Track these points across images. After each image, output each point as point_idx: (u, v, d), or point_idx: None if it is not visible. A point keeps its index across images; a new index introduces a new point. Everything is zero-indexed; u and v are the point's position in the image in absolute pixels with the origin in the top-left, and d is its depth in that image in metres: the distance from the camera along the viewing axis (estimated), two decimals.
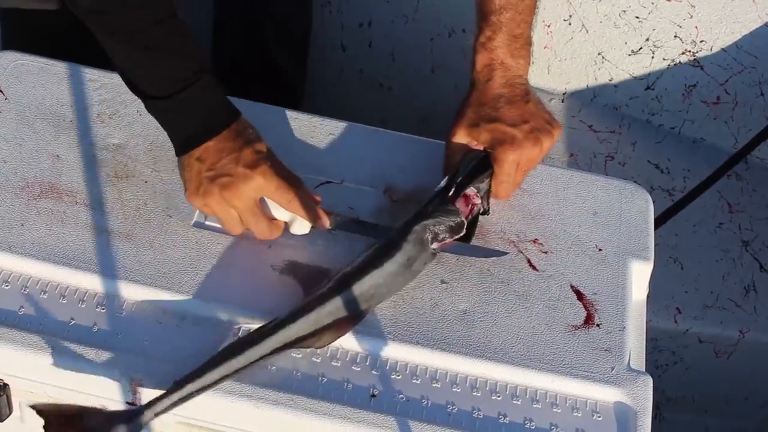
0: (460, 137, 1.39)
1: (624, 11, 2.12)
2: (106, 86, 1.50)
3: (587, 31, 2.17)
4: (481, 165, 1.37)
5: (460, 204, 1.33)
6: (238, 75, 2.14)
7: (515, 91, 1.38)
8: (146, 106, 1.30)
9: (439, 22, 2.25)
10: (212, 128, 1.28)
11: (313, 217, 1.31)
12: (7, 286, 1.28)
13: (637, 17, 2.13)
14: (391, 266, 1.26)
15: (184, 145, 1.29)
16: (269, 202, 1.30)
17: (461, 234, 1.32)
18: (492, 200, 1.40)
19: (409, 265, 1.28)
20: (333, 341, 1.23)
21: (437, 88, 2.34)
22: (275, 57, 2.16)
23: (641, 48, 2.16)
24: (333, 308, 1.23)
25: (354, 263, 1.27)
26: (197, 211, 1.36)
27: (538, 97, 1.41)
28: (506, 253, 1.36)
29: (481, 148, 1.37)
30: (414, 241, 1.28)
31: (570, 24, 2.17)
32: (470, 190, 1.35)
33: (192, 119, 1.28)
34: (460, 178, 1.35)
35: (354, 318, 1.24)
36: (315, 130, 1.49)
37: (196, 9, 2.25)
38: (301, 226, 1.32)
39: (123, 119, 1.46)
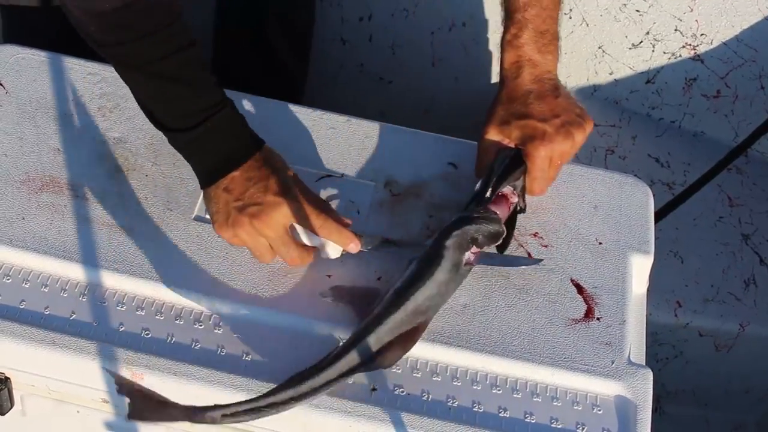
0: (492, 135, 1.37)
1: (624, 5, 2.12)
2: (106, 80, 1.49)
3: (588, 25, 2.17)
4: (515, 162, 1.35)
5: (497, 203, 1.32)
6: (240, 69, 2.14)
7: (544, 86, 1.37)
8: (168, 139, 1.28)
9: (440, 15, 2.25)
10: (237, 158, 1.26)
11: (345, 241, 1.28)
12: (8, 279, 1.28)
13: (637, 11, 2.12)
14: (441, 274, 1.24)
15: (209, 176, 1.27)
16: (297, 228, 1.27)
17: (499, 241, 1.30)
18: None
19: (457, 269, 1.26)
20: (399, 359, 1.22)
21: (438, 81, 2.34)
22: (278, 52, 2.16)
23: (642, 41, 2.16)
24: (392, 325, 1.21)
25: (403, 278, 1.24)
26: (198, 205, 1.36)
27: (569, 92, 1.40)
28: (541, 260, 1.35)
29: (513, 145, 1.35)
30: (455, 245, 1.26)
31: (570, 18, 2.17)
32: (506, 189, 1.33)
33: (216, 150, 1.26)
34: (495, 178, 1.33)
35: (415, 332, 1.23)
36: (315, 123, 1.49)
37: (200, 3, 2.25)
38: (333, 251, 1.30)
39: (124, 113, 1.46)
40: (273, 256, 1.28)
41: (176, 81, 1.24)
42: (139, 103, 1.29)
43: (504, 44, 1.40)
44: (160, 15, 1.21)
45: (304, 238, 1.28)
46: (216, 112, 1.25)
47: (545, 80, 1.38)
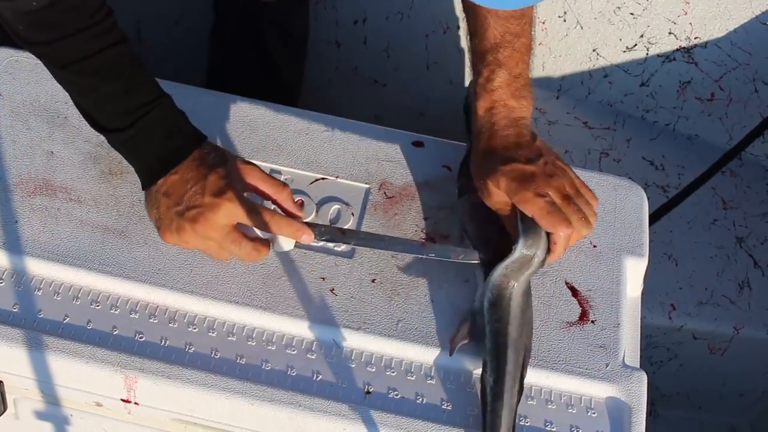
0: (498, 194, 1.27)
1: (618, 8, 2.12)
2: None
3: (582, 28, 2.17)
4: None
5: None
6: (236, 75, 2.13)
7: (521, 131, 1.30)
8: (108, 141, 1.27)
9: (434, 18, 2.25)
10: (172, 158, 1.23)
11: (297, 234, 1.26)
12: (1, 283, 1.27)
13: (631, 14, 2.13)
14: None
15: (147, 178, 1.26)
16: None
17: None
18: None
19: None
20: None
21: (432, 84, 2.34)
22: (274, 58, 2.15)
23: (636, 44, 2.16)
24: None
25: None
26: None
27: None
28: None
29: (504, 194, 1.27)
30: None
31: (565, 20, 2.17)
32: None
33: (151, 150, 1.24)
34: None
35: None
36: (310, 126, 1.49)
37: (195, 9, 2.25)
38: (285, 243, 1.27)
39: None
40: (229, 253, 1.26)
41: (107, 78, 1.21)
42: (77, 108, 1.26)
43: (477, 89, 1.31)
44: (89, 12, 1.19)
45: (258, 231, 1.26)
46: (149, 110, 1.22)
47: (521, 125, 1.30)
